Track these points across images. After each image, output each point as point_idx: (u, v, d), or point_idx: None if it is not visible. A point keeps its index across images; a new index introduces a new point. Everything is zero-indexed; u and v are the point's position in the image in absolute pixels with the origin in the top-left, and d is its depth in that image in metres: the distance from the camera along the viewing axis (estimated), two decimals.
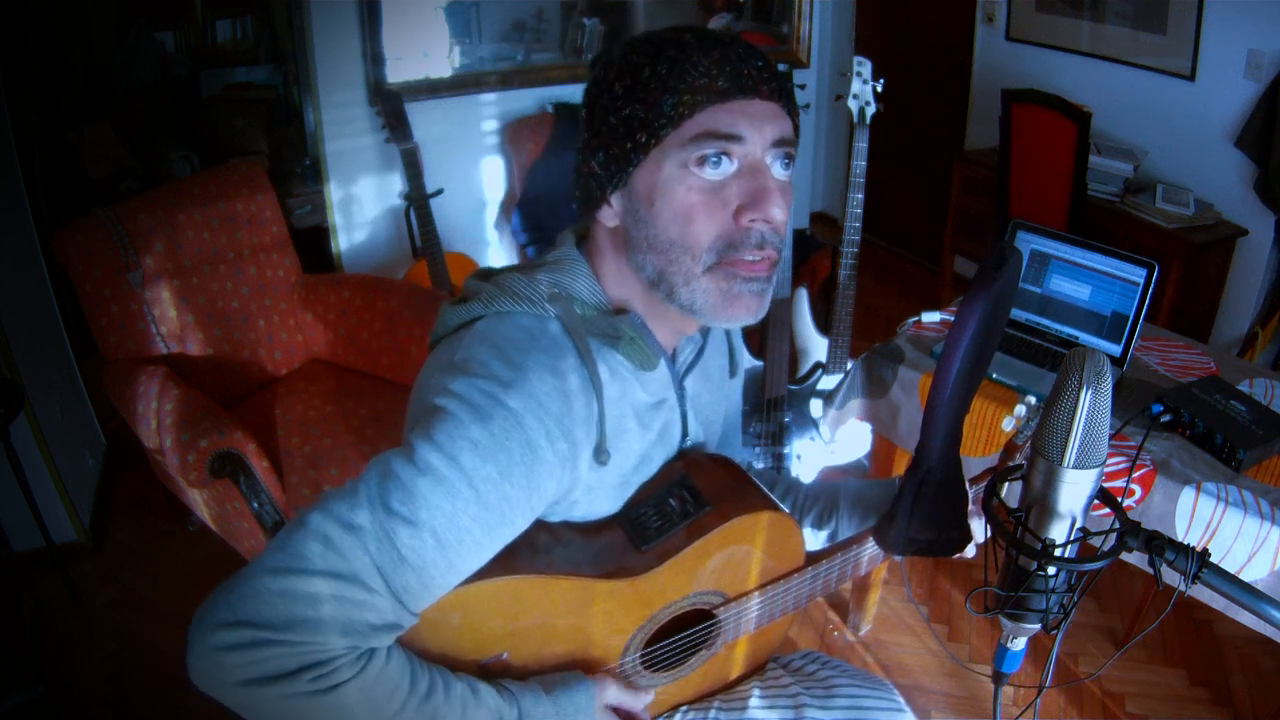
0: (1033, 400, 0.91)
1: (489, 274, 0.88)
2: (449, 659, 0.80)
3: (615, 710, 0.90)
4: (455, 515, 0.71)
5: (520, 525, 0.78)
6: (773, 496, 0.95)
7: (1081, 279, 1.72)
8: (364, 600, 0.68)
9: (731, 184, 0.78)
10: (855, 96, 2.09)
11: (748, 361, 2.29)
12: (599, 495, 0.88)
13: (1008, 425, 0.90)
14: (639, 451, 0.90)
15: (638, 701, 0.90)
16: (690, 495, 0.90)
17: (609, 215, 0.84)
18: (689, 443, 0.97)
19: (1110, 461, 1.38)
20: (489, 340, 0.79)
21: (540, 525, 0.86)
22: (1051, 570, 0.71)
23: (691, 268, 0.79)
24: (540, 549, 0.84)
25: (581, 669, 0.89)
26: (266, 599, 0.66)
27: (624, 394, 0.85)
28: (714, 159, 0.77)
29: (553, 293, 0.83)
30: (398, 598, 0.70)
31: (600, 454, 0.83)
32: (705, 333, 0.97)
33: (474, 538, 0.72)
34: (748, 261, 0.79)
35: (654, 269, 0.81)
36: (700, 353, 0.97)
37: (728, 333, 1.06)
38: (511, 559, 0.81)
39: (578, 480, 0.84)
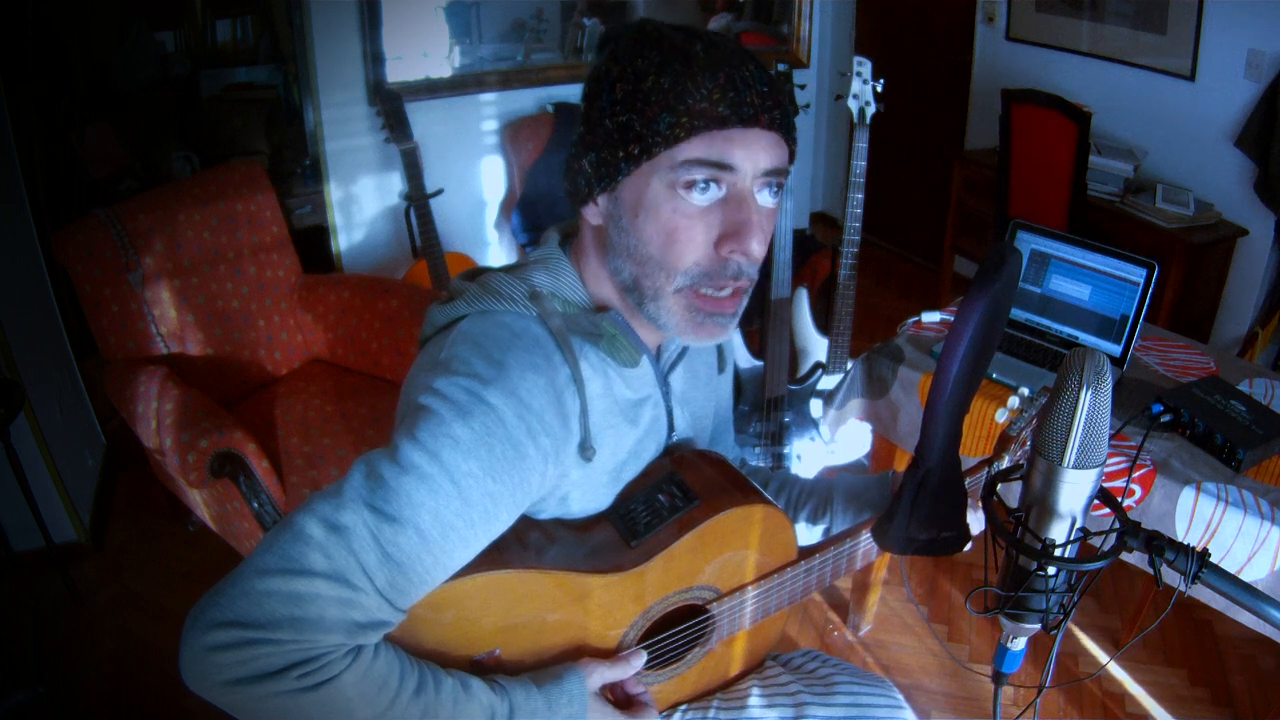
0: (1025, 392, 0.91)
1: (475, 274, 0.89)
2: (441, 655, 0.81)
3: (610, 692, 0.91)
4: (438, 512, 0.71)
5: (505, 521, 0.78)
6: (763, 491, 0.95)
7: (1081, 279, 1.72)
8: (350, 599, 0.69)
9: (716, 211, 0.78)
10: (855, 96, 2.09)
11: (745, 360, 2.29)
12: (589, 491, 0.88)
13: (1000, 417, 0.90)
14: (627, 447, 0.90)
15: (626, 672, 0.90)
16: (679, 490, 0.91)
17: (594, 213, 0.85)
18: (675, 438, 0.98)
19: (1110, 461, 1.38)
20: (471, 339, 0.80)
21: (531, 522, 0.87)
22: (1051, 570, 0.71)
23: (664, 285, 0.81)
24: (531, 545, 0.84)
25: None
26: (254, 599, 0.66)
27: (607, 390, 0.86)
28: (702, 185, 0.77)
29: (534, 291, 0.84)
30: (384, 595, 0.70)
31: (585, 450, 0.83)
32: None
33: (458, 534, 0.73)
34: (716, 298, 0.80)
35: (629, 276, 0.83)
36: (685, 349, 0.97)
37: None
38: (502, 555, 0.81)
39: (564, 475, 0.84)
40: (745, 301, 0.84)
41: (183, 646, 0.66)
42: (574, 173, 0.85)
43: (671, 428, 0.97)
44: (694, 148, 0.76)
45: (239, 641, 0.65)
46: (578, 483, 0.86)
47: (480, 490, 0.73)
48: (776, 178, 0.80)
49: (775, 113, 0.79)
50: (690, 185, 0.77)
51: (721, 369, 1.08)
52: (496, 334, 0.80)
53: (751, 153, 0.77)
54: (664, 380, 0.95)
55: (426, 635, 0.80)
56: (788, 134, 0.81)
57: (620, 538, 0.89)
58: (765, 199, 0.80)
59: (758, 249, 0.79)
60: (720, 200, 0.78)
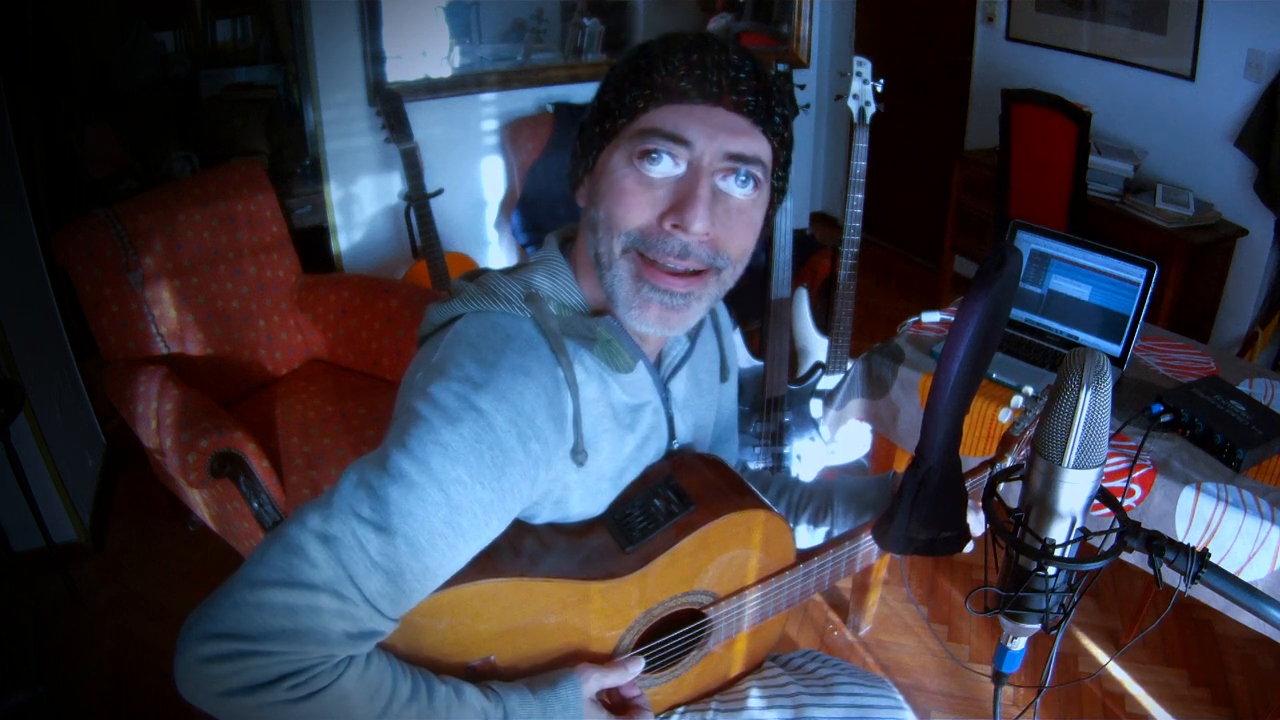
0: (1030, 391, 0.91)
1: (476, 274, 0.89)
2: (435, 662, 0.81)
3: (606, 696, 0.91)
4: (427, 520, 0.71)
5: (496, 527, 0.77)
6: (761, 495, 0.95)
7: (1081, 279, 1.72)
8: (340, 609, 0.69)
9: (669, 185, 0.78)
10: (855, 96, 2.09)
11: (747, 362, 2.29)
12: (588, 495, 0.88)
13: (1004, 417, 0.90)
14: (626, 452, 0.90)
15: (623, 678, 0.89)
16: (675, 495, 0.90)
17: (582, 195, 0.86)
18: (677, 445, 0.97)
19: (1110, 461, 1.38)
20: (465, 339, 0.80)
21: (525, 529, 0.86)
22: (1051, 570, 0.71)
23: (612, 247, 0.80)
24: (525, 553, 0.84)
25: None
26: (245, 611, 0.67)
27: (602, 395, 0.86)
28: (655, 155, 0.77)
29: (529, 293, 0.84)
30: (374, 605, 0.70)
31: (578, 454, 0.83)
32: (694, 337, 0.97)
33: (447, 541, 0.72)
34: (662, 270, 0.79)
35: (593, 250, 0.82)
36: (687, 356, 0.96)
37: (718, 337, 1.05)
38: (496, 563, 0.80)
39: (558, 479, 0.84)
40: (704, 298, 0.81)
41: (177, 657, 0.67)
42: (573, 157, 0.87)
43: (673, 434, 0.96)
44: (651, 119, 0.77)
45: (230, 653, 0.66)
46: (574, 486, 0.86)
47: (469, 497, 0.73)
48: (744, 165, 0.78)
49: (747, 97, 0.78)
50: (644, 155, 0.77)
51: (724, 378, 1.07)
52: (490, 335, 0.80)
53: (710, 130, 0.77)
54: (664, 387, 0.94)
55: (421, 642, 0.80)
56: (767, 125, 0.80)
57: (615, 543, 0.88)
58: (731, 186, 0.79)
59: (699, 225, 0.77)
60: (676, 177, 0.78)
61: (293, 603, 0.67)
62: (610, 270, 0.80)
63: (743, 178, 0.79)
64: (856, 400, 1.87)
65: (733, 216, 0.79)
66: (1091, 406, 0.65)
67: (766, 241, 2.16)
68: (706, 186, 0.77)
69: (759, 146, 0.79)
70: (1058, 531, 0.70)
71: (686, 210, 0.76)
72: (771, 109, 0.80)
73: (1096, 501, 0.71)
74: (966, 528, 0.92)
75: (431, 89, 3.05)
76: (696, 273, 0.80)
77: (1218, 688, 1.96)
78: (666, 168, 0.78)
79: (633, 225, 0.78)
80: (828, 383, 2.32)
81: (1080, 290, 1.72)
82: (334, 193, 3.03)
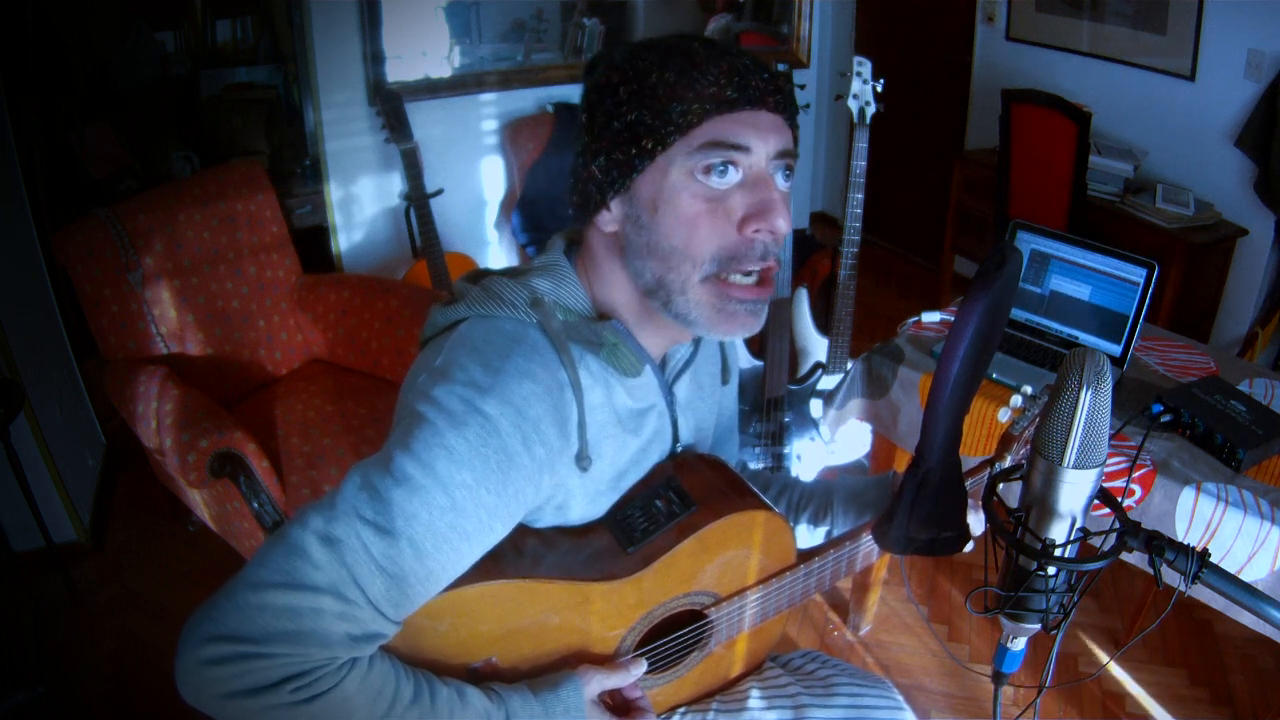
0: (1029, 390, 0.91)
1: (478, 276, 0.89)
2: (436, 664, 0.81)
3: (609, 697, 0.91)
4: (431, 523, 0.71)
5: (499, 531, 0.77)
6: (762, 496, 0.95)
7: (1081, 279, 1.72)
8: (343, 612, 0.69)
9: (735, 194, 0.79)
10: (855, 96, 2.09)
11: (747, 362, 2.29)
12: (589, 499, 0.88)
13: (1003, 416, 0.90)
14: (628, 456, 0.90)
15: (624, 679, 0.90)
16: (677, 496, 0.90)
17: (607, 220, 0.83)
18: (680, 448, 0.97)
19: (1110, 461, 1.38)
20: (470, 343, 0.80)
21: (528, 531, 0.86)
22: (1051, 570, 0.71)
23: (690, 275, 0.80)
24: (527, 554, 0.84)
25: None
26: (247, 613, 0.67)
27: (608, 400, 0.85)
28: (720, 168, 0.78)
29: (535, 297, 0.83)
30: (377, 608, 0.70)
31: (581, 460, 0.83)
32: (697, 339, 0.97)
33: (451, 545, 0.72)
34: (744, 285, 0.80)
35: (652, 276, 0.81)
36: (691, 359, 0.97)
37: (719, 340, 1.06)
38: (498, 564, 0.80)
39: (561, 484, 0.84)
40: (775, 286, 0.84)
41: (178, 659, 0.67)
42: (582, 181, 0.84)
43: (676, 437, 0.96)
44: (707, 131, 0.77)
45: (233, 655, 0.66)
46: (576, 491, 0.86)
47: (474, 501, 0.73)
48: (787, 160, 0.81)
49: (779, 96, 0.80)
50: (709, 169, 0.78)
51: (726, 380, 1.08)
52: (495, 339, 0.79)
53: (763, 133, 0.78)
54: (668, 389, 0.95)
55: (423, 644, 0.80)
56: (791, 119, 0.82)
57: (617, 544, 0.88)
58: (780, 182, 0.81)
59: (783, 225, 0.79)
60: (738, 184, 0.79)
61: (295, 605, 0.67)
62: (683, 296, 0.81)
63: (786, 172, 0.82)
64: (856, 400, 1.87)
65: (786, 208, 0.82)
66: (1091, 406, 0.65)
67: None
68: (774, 188, 0.80)
69: (791, 139, 0.82)
70: (1058, 531, 0.70)
71: (771, 216, 0.78)
72: (792, 101, 0.83)
73: (1096, 501, 0.71)
74: (966, 528, 0.92)
75: (431, 89, 3.05)
76: (766, 272, 0.81)
77: (1218, 688, 1.96)
78: (730, 178, 0.78)
79: (715, 247, 0.79)
80: (828, 383, 2.32)
81: (1080, 290, 1.72)
82: (334, 193, 3.03)
